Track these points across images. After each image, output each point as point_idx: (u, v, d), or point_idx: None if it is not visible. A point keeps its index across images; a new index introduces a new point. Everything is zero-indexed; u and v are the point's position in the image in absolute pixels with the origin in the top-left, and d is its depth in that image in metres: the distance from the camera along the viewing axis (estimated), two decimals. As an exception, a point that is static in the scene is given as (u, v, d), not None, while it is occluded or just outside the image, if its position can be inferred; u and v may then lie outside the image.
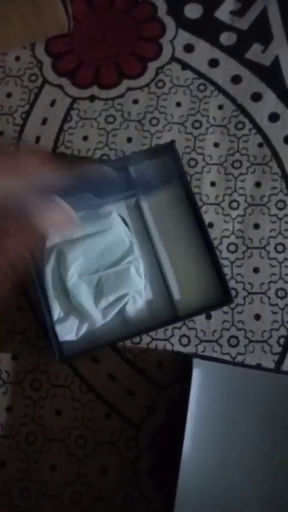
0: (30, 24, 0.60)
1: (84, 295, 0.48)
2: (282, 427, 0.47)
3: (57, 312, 0.49)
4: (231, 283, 0.53)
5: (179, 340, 0.52)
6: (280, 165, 0.57)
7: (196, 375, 0.46)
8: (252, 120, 0.59)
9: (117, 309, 0.48)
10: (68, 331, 0.49)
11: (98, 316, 0.48)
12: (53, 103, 0.61)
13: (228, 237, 0.55)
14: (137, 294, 0.49)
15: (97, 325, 0.49)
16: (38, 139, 0.60)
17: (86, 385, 0.51)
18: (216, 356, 0.52)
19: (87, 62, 0.62)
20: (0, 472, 0.49)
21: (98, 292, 0.49)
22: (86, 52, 0.62)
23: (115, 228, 0.50)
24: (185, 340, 0.52)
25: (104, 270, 0.49)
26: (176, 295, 0.50)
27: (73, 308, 0.49)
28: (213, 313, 0.52)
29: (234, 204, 0.56)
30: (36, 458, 0.49)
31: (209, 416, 0.46)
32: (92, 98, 0.61)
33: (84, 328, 0.49)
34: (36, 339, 0.52)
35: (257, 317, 0.52)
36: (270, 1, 0.64)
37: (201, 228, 0.51)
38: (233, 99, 0.60)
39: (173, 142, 0.53)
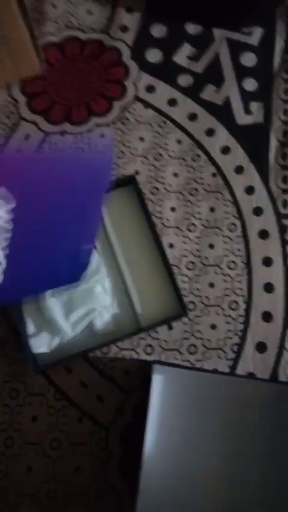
0: (6, 67, 0.66)
1: (55, 310, 0.54)
2: (235, 424, 0.53)
3: (31, 327, 0.54)
4: (190, 297, 0.60)
5: (144, 350, 0.58)
6: (231, 192, 0.64)
7: (157, 379, 0.51)
8: (206, 153, 0.66)
9: (86, 323, 0.54)
10: (42, 344, 0.54)
11: (68, 329, 0.54)
12: (27, 137, 0.67)
13: (187, 256, 0.62)
14: (104, 309, 0.55)
15: (67, 337, 0.55)
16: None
17: (60, 393, 0.56)
18: (177, 363, 0.58)
19: (60, 102, 0.69)
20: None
21: (68, 308, 0.54)
22: (59, 93, 0.69)
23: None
24: (149, 349, 0.58)
25: (73, 288, 0.55)
26: (139, 309, 0.56)
27: (45, 323, 0.54)
28: (174, 324, 0.59)
29: (192, 227, 0.63)
30: (13, 461, 0.54)
31: (170, 415, 0.52)
32: (63, 133, 0.68)
33: (56, 341, 0.55)
34: (14, 351, 0.57)
35: (213, 327, 0.59)
36: (222, 47, 0.73)
37: (160, 250, 0.58)
38: (189, 134, 0.68)
39: (134, 174, 0.60)
